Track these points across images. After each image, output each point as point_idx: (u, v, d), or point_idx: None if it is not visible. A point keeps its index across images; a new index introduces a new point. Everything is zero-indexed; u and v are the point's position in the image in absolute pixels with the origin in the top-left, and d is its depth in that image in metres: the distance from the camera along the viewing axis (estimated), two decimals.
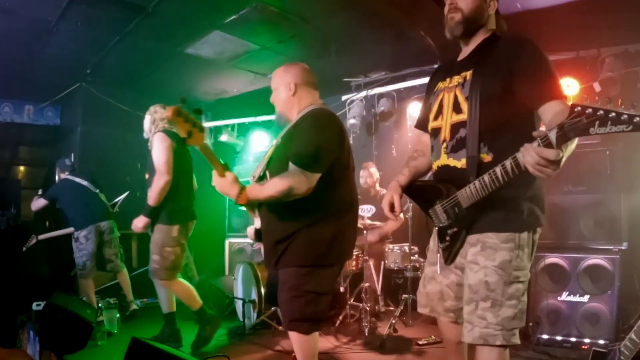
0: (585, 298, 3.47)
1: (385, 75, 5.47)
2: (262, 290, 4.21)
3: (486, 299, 1.72)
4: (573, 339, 3.46)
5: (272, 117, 6.00)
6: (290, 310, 2.28)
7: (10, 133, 6.27)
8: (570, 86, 4.18)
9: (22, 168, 6.71)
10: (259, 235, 2.42)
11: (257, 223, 2.41)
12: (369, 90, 5.48)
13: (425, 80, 5.06)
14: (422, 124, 2.09)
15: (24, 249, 4.96)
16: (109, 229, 4.82)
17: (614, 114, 1.29)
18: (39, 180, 6.62)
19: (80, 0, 3.82)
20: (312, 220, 2.23)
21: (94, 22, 4.21)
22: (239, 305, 4.48)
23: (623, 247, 3.44)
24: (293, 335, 2.29)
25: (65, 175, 4.88)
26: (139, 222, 3.44)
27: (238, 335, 4.04)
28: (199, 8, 3.96)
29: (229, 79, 5.82)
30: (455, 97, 1.80)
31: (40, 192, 4.91)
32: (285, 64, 2.46)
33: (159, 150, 3.46)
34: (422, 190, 1.98)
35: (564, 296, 3.54)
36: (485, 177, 1.64)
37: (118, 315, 4.34)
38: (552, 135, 1.38)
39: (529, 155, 1.43)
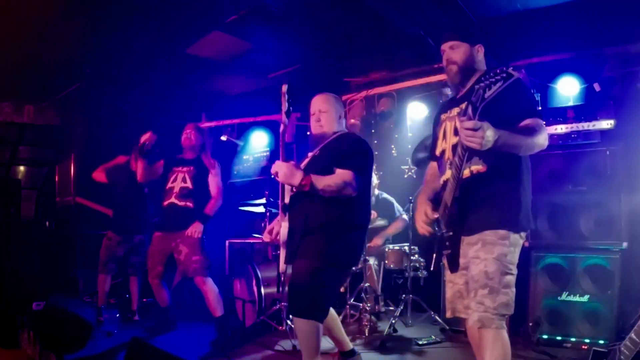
0: (585, 298, 3.46)
1: (385, 75, 5.46)
2: (262, 291, 4.21)
3: (485, 286, 1.98)
4: (573, 339, 3.46)
5: (272, 117, 6.04)
6: (301, 299, 2.51)
7: (10, 133, 6.26)
8: (570, 86, 4.19)
9: (22, 168, 6.71)
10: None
11: (286, 224, 2.67)
12: (369, 90, 5.47)
13: (425, 80, 5.11)
14: (433, 154, 2.41)
15: (58, 199, 4.89)
16: (143, 241, 4.82)
17: (489, 79, 1.77)
18: (39, 180, 6.62)
19: (80, 0, 3.82)
20: (337, 222, 2.57)
21: (94, 22, 4.21)
22: (239, 305, 4.48)
23: (623, 247, 3.43)
24: (299, 323, 2.53)
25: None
26: (198, 228, 3.86)
27: (238, 335, 4.04)
28: (199, 8, 3.96)
29: (229, 79, 5.82)
30: (454, 124, 2.13)
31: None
32: (333, 96, 2.90)
33: (218, 177, 4.08)
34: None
35: (564, 296, 3.54)
36: (452, 170, 2.01)
37: (118, 315, 4.34)
38: (469, 110, 1.80)
39: (460, 132, 1.82)
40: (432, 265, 2.23)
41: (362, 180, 2.59)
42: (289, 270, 2.63)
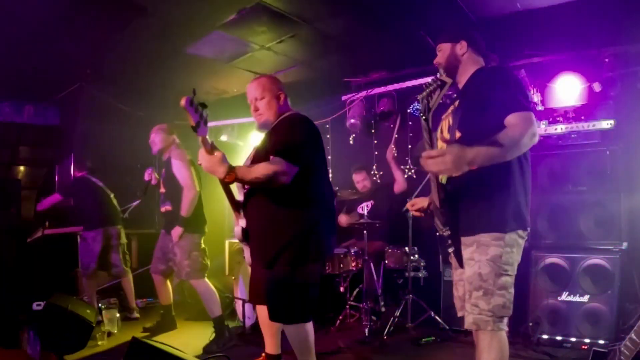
0: (585, 298, 3.47)
1: (385, 75, 5.46)
2: None
3: (479, 288, 1.97)
4: (573, 339, 3.46)
5: None
6: (282, 304, 2.46)
7: (10, 133, 6.26)
8: (570, 86, 4.20)
9: (22, 168, 6.70)
10: (246, 234, 2.61)
11: (243, 223, 2.58)
12: (369, 90, 5.47)
13: (425, 80, 5.09)
14: None
15: (29, 240, 4.97)
16: (117, 234, 4.84)
17: (427, 88, 1.85)
18: (39, 180, 6.61)
19: (80, 0, 3.82)
20: (295, 218, 2.47)
21: (94, 22, 4.21)
22: (239, 305, 4.48)
23: (623, 247, 3.44)
24: (288, 327, 2.50)
25: (82, 174, 4.92)
26: (176, 232, 3.85)
27: (238, 335, 4.04)
28: (199, 8, 3.96)
29: (229, 79, 5.82)
30: (448, 122, 2.21)
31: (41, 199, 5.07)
32: (267, 76, 2.78)
33: (183, 167, 3.89)
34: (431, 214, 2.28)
35: (564, 296, 3.55)
36: (430, 175, 2.01)
37: (118, 315, 4.34)
38: (422, 123, 1.89)
39: (425, 164, 1.84)
40: (441, 267, 2.21)
41: (297, 166, 2.39)
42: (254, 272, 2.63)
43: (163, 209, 4.02)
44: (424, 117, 1.86)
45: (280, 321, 2.51)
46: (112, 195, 4.94)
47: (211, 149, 2.26)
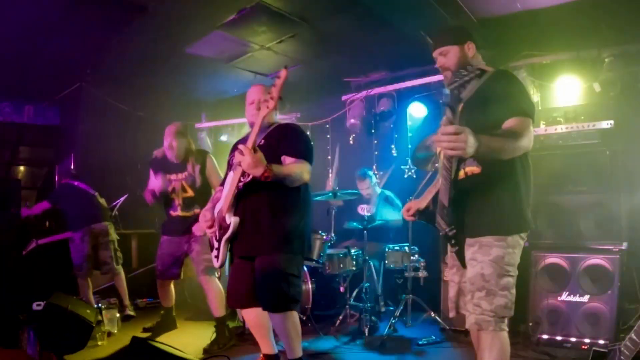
0: (585, 298, 3.47)
1: (385, 75, 5.46)
2: None
3: (482, 289, 1.98)
4: (573, 339, 3.46)
5: None
6: (279, 294, 2.57)
7: (10, 133, 6.26)
8: (570, 86, 4.20)
9: (22, 168, 6.71)
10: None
11: (230, 217, 2.66)
12: (369, 90, 5.47)
13: (425, 80, 5.11)
14: None
15: (24, 253, 5.00)
16: (105, 231, 4.84)
17: (462, 79, 1.84)
18: (39, 180, 6.61)
19: (80, 0, 3.82)
20: (294, 211, 2.68)
21: (94, 22, 4.21)
22: None
23: (623, 247, 3.44)
24: (279, 317, 2.60)
25: (65, 181, 5.01)
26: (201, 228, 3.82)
27: (238, 335, 4.04)
28: (199, 8, 3.96)
29: (229, 79, 5.82)
30: None
31: (27, 204, 5.10)
32: (263, 85, 2.96)
33: (215, 169, 3.98)
34: (430, 213, 2.25)
35: (564, 296, 3.54)
36: (443, 172, 1.97)
37: (118, 315, 4.34)
38: (448, 114, 1.80)
39: (440, 139, 1.71)
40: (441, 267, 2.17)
41: (311, 165, 2.71)
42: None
43: (190, 213, 3.87)
44: (451, 108, 1.81)
45: (273, 309, 2.59)
46: (97, 194, 4.94)
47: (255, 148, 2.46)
